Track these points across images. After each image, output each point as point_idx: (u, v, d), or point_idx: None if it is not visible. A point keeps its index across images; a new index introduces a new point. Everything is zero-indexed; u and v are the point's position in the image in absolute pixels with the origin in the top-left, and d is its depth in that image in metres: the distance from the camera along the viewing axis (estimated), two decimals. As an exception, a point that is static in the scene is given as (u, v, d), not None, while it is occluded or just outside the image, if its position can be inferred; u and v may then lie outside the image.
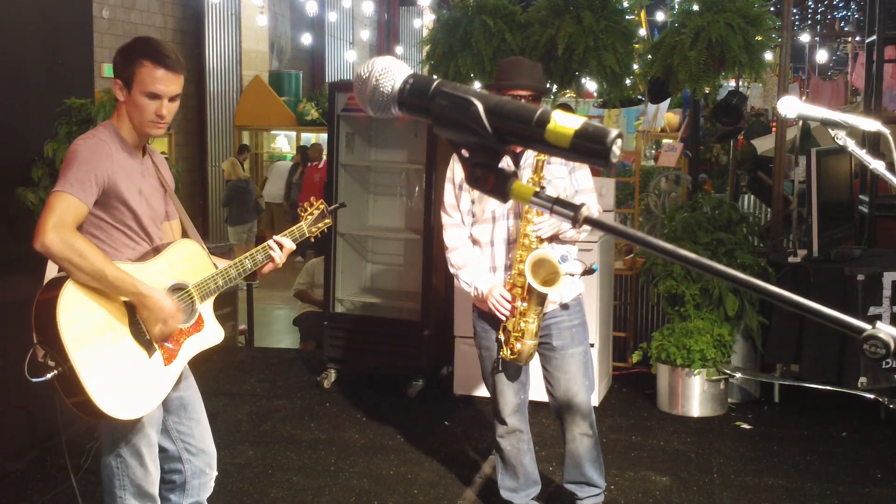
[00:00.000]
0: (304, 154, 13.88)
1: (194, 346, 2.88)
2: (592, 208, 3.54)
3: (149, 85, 2.72)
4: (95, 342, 2.59)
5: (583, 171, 3.60)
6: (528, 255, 3.39)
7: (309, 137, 15.69)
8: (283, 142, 15.38)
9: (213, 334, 2.94)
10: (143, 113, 2.75)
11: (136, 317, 2.69)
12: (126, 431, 2.81)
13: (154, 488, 2.91)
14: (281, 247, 3.04)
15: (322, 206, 3.28)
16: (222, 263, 2.98)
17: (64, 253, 2.53)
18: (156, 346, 2.75)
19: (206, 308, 2.92)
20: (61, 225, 2.55)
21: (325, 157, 13.33)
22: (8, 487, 4.20)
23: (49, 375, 2.54)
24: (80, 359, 2.55)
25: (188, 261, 2.88)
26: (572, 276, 3.49)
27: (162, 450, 2.97)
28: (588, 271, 3.55)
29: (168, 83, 2.74)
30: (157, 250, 2.84)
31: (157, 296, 2.67)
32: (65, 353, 2.53)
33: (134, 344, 2.69)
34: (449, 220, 3.64)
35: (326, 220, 3.28)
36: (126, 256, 2.77)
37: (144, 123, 2.78)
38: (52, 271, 2.71)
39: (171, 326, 2.71)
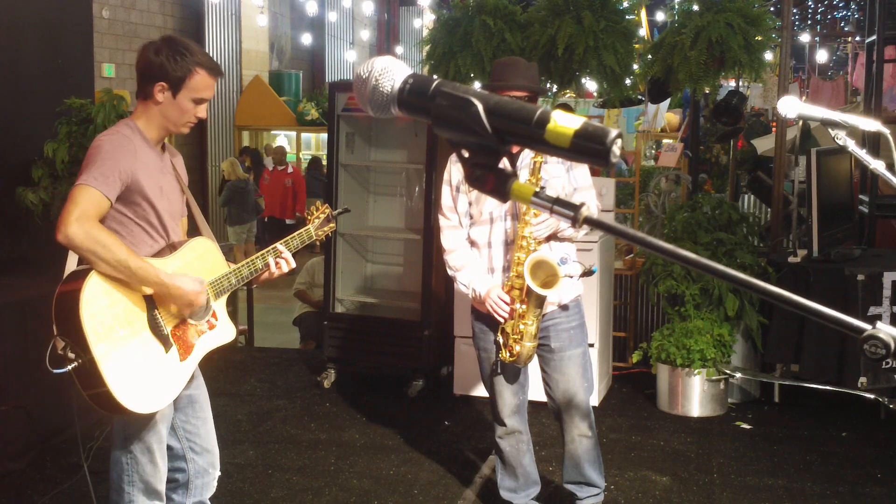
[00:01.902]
0: (255, 157, 13.31)
1: (208, 342, 2.91)
2: (592, 206, 3.54)
3: (200, 91, 2.80)
4: (116, 335, 2.61)
5: (581, 169, 3.59)
6: (526, 256, 3.38)
7: (309, 137, 15.68)
8: (283, 142, 15.39)
9: (225, 332, 2.97)
10: (185, 115, 2.82)
11: (154, 311, 2.72)
12: (138, 428, 2.83)
13: (162, 485, 2.92)
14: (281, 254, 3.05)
15: (327, 211, 3.30)
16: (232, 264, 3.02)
17: (87, 244, 2.55)
18: (172, 341, 2.78)
19: (219, 305, 2.94)
20: (84, 217, 2.58)
21: (288, 162, 12.93)
22: (8, 487, 4.20)
23: (69, 367, 2.55)
24: (102, 351, 2.56)
25: (203, 258, 2.91)
26: (571, 277, 3.49)
27: (167, 448, 2.97)
28: (587, 273, 3.54)
29: (213, 90, 2.87)
30: (172, 247, 2.87)
31: (179, 282, 2.71)
32: (86, 345, 2.54)
33: (152, 338, 2.71)
34: (446, 222, 3.63)
35: (331, 225, 3.31)
36: (144, 252, 2.79)
37: (182, 124, 2.84)
38: (71, 264, 2.72)
39: (201, 300, 2.75)
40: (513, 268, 3.44)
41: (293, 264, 3.09)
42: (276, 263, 3.03)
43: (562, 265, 3.35)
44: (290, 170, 12.48)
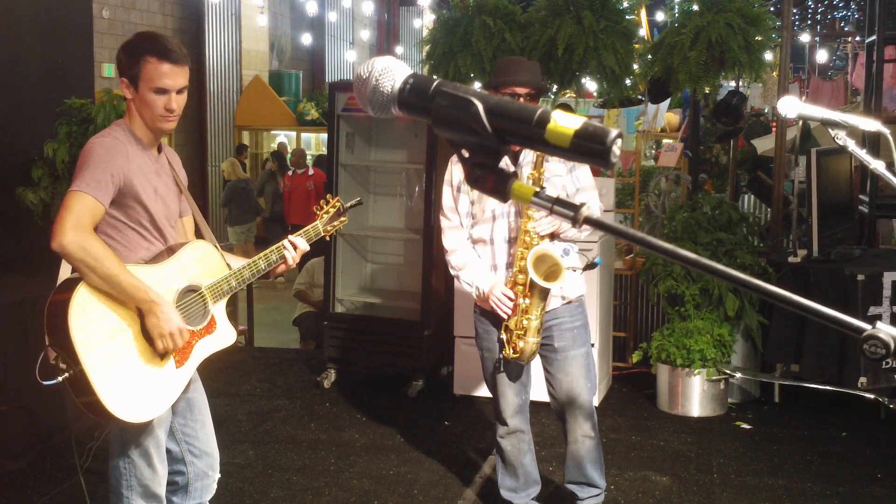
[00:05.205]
0: (282, 160, 13.27)
1: (206, 347, 2.87)
2: (594, 206, 3.55)
3: (155, 81, 2.71)
4: (107, 345, 2.59)
5: (583, 169, 3.60)
6: (529, 251, 3.38)
7: (309, 137, 15.64)
8: (283, 142, 15.36)
9: (225, 336, 2.93)
10: (153, 109, 2.74)
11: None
12: (136, 433, 2.81)
13: (161, 488, 2.90)
14: (295, 247, 3.03)
15: (338, 204, 3.23)
16: (235, 263, 2.95)
17: (80, 255, 2.52)
18: None
19: (218, 309, 2.90)
20: (79, 226, 2.55)
21: (310, 164, 12.77)
22: (8, 487, 4.20)
23: (60, 378, 2.53)
24: (92, 362, 2.53)
25: (202, 262, 2.86)
26: (574, 270, 3.49)
27: (166, 451, 2.96)
28: (590, 265, 3.54)
29: (174, 77, 2.74)
30: (170, 251, 2.82)
31: (166, 309, 2.65)
32: (76, 356, 2.52)
33: (145, 346, 2.68)
34: (447, 222, 3.64)
35: (342, 219, 3.25)
36: (140, 256, 2.76)
37: (155, 119, 2.77)
38: (65, 272, 2.70)
39: (175, 342, 2.68)
40: (516, 263, 3.44)
41: (306, 247, 3.04)
42: (285, 254, 2.99)
43: (564, 257, 3.35)
44: (310, 172, 12.21)
